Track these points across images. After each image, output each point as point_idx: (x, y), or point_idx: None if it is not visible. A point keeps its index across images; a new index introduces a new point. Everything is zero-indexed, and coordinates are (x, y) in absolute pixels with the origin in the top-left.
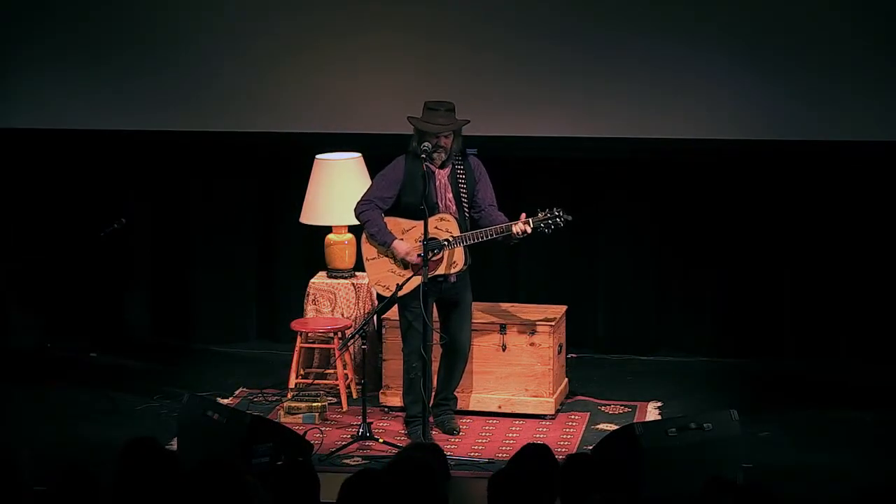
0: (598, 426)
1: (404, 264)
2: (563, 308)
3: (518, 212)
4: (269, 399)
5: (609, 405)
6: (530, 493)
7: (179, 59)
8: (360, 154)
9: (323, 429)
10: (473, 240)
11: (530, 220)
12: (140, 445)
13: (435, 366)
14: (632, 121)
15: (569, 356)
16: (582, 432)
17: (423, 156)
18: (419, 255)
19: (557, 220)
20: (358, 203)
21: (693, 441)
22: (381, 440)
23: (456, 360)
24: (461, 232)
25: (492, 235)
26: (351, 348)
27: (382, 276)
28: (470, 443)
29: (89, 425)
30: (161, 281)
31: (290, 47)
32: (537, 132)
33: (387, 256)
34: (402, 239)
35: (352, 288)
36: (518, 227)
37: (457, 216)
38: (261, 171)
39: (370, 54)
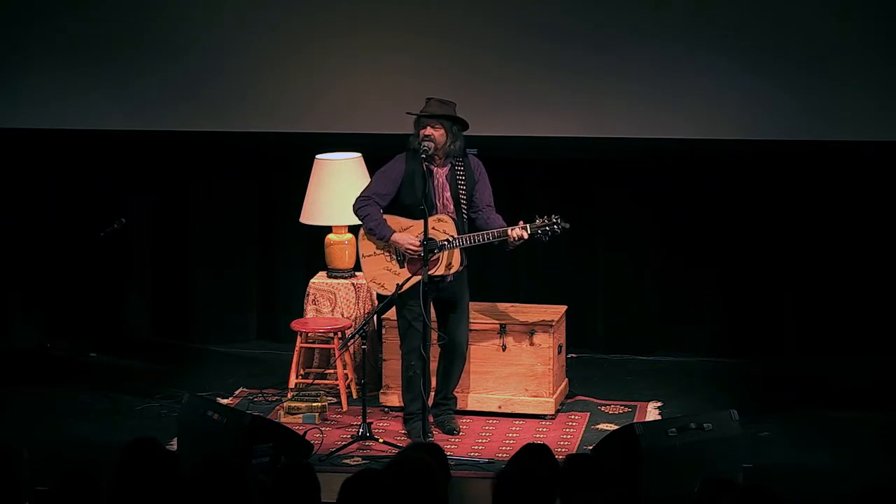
0: (598, 426)
1: (401, 262)
2: (563, 308)
3: (518, 212)
4: (269, 399)
5: (609, 405)
6: (534, 493)
7: (179, 60)
8: (360, 154)
9: (323, 429)
10: (471, 242)
11: (528, 226)
12: (140, 446)
13: (433, 365)
14: (632, 121)
15: (569, 356)
16: (582, 432)
17: (411, 148)
18: (421, 244)
19: (555, 227)
20: (356, 199)
21: (693, 441)
22: (381, 440)
23: (454, 359)
24: (458, 233)
25: (489, 238)
26: (351, 348)
27: (378, 274)
28: (470, 443)
29: (89, 425)
30: (161, 281)
31: (289, 47)
32: (537, 132)
33: (383, 254)
34: None
35: (352, 288)
36: (515, 233)
37: (454, 216)
38: (261, 171)
39: (370, 54)
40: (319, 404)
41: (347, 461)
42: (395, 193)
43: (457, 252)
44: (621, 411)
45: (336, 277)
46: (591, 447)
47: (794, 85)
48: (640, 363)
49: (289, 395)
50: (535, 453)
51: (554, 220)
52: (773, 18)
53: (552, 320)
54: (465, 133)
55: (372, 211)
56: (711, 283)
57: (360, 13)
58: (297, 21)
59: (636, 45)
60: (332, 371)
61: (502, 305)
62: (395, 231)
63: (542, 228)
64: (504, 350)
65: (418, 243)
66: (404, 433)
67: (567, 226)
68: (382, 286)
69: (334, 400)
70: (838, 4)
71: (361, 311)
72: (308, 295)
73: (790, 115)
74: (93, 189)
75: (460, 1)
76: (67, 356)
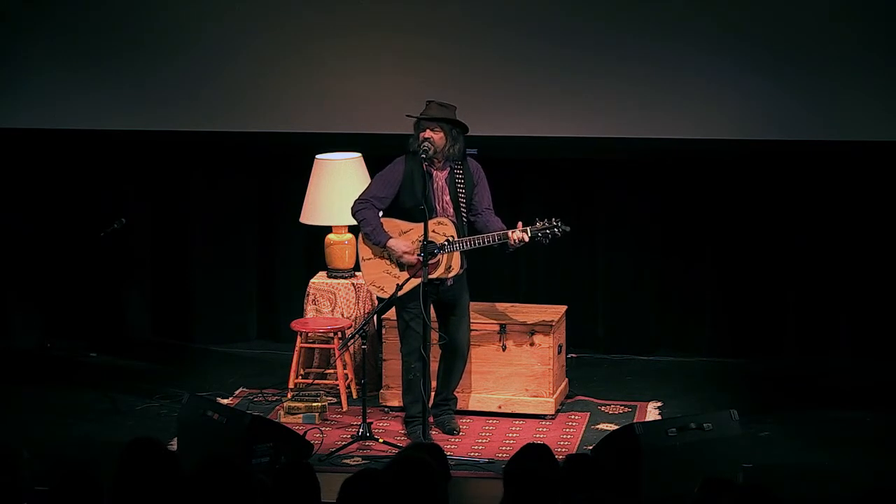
0: (598, 426)
1: (400, 265)
2: (563, 308)
3: (518, 213)
4: (269, 399)
5: (609, 405)
6: (538, 494)
7: (179, 59)
8: (360, 154)
9: (323, 429)
10: (471, 245)
11: (528, 229)
12: (140, 446)
13: (434, 366)
14: (632, 121)
15: (569, 356)
16: (582, 432)
17: (411, 150)
18: (418, 256)
19: (555, 230)
20: (355, 202)
21: (693, 441)
22: (381, 440)
23: (455, 360)
24: (458, 235)
25: (489, 241)
26: (351, 348)
27: (377, 277)
28: (470, 443)
29: (89, 425)
30: (161, 281)
31: (289, 47)
32: (537, 132)
33: (382, 257)
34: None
35: (352, 288)
36: (515, 236)
37: (454, 219)
38: (261, 171)
39: (370, 54)
40: (319, 404)
41: (347, 461)
42: (395, 196)
43: (457, 255)
44: (621, 411)
45: (336, 277)
46: (591, 447)
47: (794, 85)
48: (640, 363)
49: (289, 395)
50: (535, 453)
51: (554, 224)
52: (773, 18)
53: (552, 320)
54: (465, 133)
55: (368, 215)
56: (711, 283)
57: (360, 13)
58: (297, 21)
59: (636, 45)
60: (332, 371)
61: (502, 306)
62: (391, 237)
63: (542, 231)
64: (504, 350)
65: (412, 251)
66: (404, 433)
67: (567, 229)
68: (382, 289)
69: (334, 400)
70: (838, 4)
71: (361, 311)
72: (308, 295)
73: (790, 115)
74: (93, 189)
75: (460, 1)
76: (67, 356)
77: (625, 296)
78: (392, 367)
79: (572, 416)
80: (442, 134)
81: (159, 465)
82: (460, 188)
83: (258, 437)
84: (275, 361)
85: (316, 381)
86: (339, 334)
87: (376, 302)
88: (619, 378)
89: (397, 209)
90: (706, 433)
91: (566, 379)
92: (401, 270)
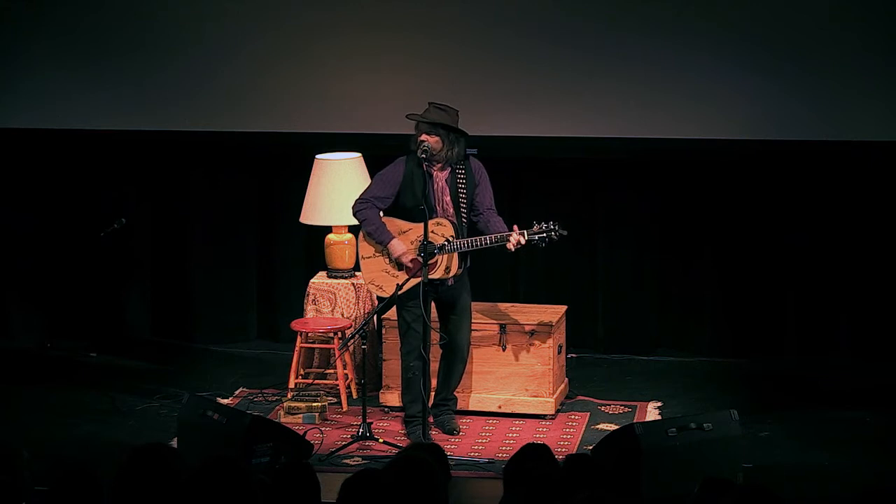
0: (598, 426)
1: (399, 265)
2: (563, 308)
3: (518, 213)
4: (269, 399)
5: (609, 405)
6: (539, 494)
7: (179, 60)
8: (360, 154)
9: (323, 429)
10: (469, 246)
11: (525, 232)
12: (147, 452)
13: (434, 366)
14: (632, 121)
15: (569, 356)
16: (582, 432)
17: (412, 149)
18: (414, 259)
19: (552, 234)
20: (355, 201)
21: (693, 441)
22: (381, 440)
23: (454, 361)
24: (457, 236)
25: (487, 243)
26: (351, 348)
27: (376, 276)
28: (470, 443)
29: (89, 425)
30: (161, 281)
31: (289, 47)
32: (537, 132)
33: (382, 256)
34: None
35: (352, 288)
36: (513, 239)
37: (454, 220)
38: (261, 171)
39: (370, 54)
40: (319, 404)
41: (347, 461)
42: (395, 196)
43: (455, 255)
44: (621, 411)
45: (336, 277)
46: (591, 447)
47: (794, 85)
48: (640, 363)
49: (289, 395)
50: (535, 453)
51: (552, 227)
52: (773, 18)
53: (552, 320)
54: (465, 137)
55: (370, 214)
56: (711, 283)
57: (360, 13)
58: (296, 21)
59: (636, 45)
60: (332, 371)
61: (502, 305)
62: (393, 237)
63: (540, 234)
64: (504, 350)
65: (409, 259)
66: (404, 433)
67: (564, 233)
68: (381, 288)
69: (334, 400)
70: (838, 4)
71: (361, 311)
72: (308, 295)
73: (792, 115)
74: (93, 189)
75: (460, 1)
76: (67, 356)
77: (625, 296)
78: (392, 367)
79: (572, 416)
80: (437, 138)
81: (162, 466)
82: (461, 189)
83: (258, 437)
84: (275, 361)
85: (316, 381)
86: (339, 334)
87: (376, 301)
88: (619, 378)
89: (398, 209)
90: (706, 433)
91: (566, 379)
92: (399, 269)
